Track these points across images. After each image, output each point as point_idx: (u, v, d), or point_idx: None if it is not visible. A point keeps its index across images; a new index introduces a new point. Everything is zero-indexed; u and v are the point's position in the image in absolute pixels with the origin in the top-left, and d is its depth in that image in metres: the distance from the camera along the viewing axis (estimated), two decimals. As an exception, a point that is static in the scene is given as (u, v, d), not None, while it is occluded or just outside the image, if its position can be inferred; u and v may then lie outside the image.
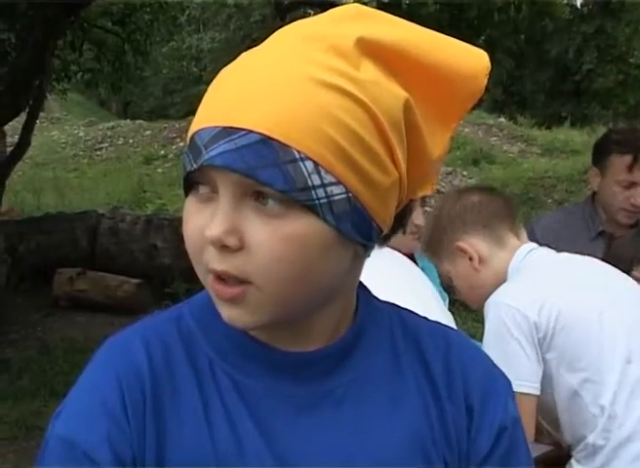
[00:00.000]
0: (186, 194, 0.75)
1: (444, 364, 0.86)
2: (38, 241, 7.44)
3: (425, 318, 0.92)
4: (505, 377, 0.89)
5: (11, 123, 6.79)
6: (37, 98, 6.77)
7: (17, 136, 7.17)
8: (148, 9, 9.17)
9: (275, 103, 0.68)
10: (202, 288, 0.82)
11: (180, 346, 0.81)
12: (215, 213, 0.71)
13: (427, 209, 2.60)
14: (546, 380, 1.79)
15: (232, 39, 18.32)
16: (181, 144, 13.94)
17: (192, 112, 0.76)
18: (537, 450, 2.01)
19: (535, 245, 2.00)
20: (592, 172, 2.69)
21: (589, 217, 2.70)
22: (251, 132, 0.68)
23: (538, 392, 1.78)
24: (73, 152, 15.24)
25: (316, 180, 0.69)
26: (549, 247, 2.58)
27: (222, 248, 0.70)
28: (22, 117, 6.96)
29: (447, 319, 1.70)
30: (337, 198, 0.70)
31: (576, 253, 2.43)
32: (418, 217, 2.41)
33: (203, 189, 0.73)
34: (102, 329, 6.31)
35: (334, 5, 1.00)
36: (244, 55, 0.75)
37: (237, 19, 18.05)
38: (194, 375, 0.80)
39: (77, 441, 0.76)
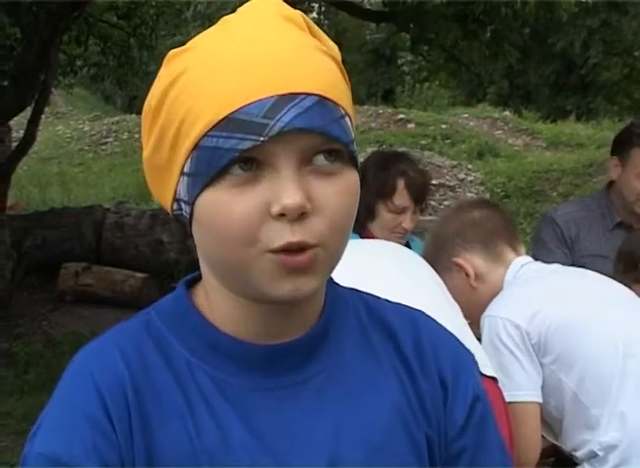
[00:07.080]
0: (204, 185, 0.73)
1: (413, 341, 0.87)
2: (44, 235, 7.47)
3: (388, 300, 0.93)
4: (470, 353, 0.92)
5: (16, 118, 6.81)
6: (42, 93, 6.77)
7: (22, 131, 7.17)
8: (154, 3, 9.16)
9: (317, 69, 0.74)
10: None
11: (154, 351, 0.81)
12: (276, 185, 0.71)
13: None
14: (551, 391, 1.79)
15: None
16: (186, 139, 13.92)
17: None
18: None
19: (529, 258, 2.02)
20: (612, 161, 2.68)
21: (606, 208, 2.70)
22: (309, 94, 0.71)
23: (540, 400, 1.78)
24: (78, 147, 15.26)
25: (353, 134, 0.77)
26: (571, 238, 2.58)
27: (299, 216, 0.71)
28: (28, 112, 6.96)
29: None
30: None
31: (596, 244, 2.42)
32: (406, 221, 2.45)
33: (244, 170, 0.72)
34: (108, 323, 6.29)
35: None
36: (233, 32, 0.75)
37: (242, 14, 18.03)
38: (173, 378, 0.79)
39: (61, 456, 0.74)
